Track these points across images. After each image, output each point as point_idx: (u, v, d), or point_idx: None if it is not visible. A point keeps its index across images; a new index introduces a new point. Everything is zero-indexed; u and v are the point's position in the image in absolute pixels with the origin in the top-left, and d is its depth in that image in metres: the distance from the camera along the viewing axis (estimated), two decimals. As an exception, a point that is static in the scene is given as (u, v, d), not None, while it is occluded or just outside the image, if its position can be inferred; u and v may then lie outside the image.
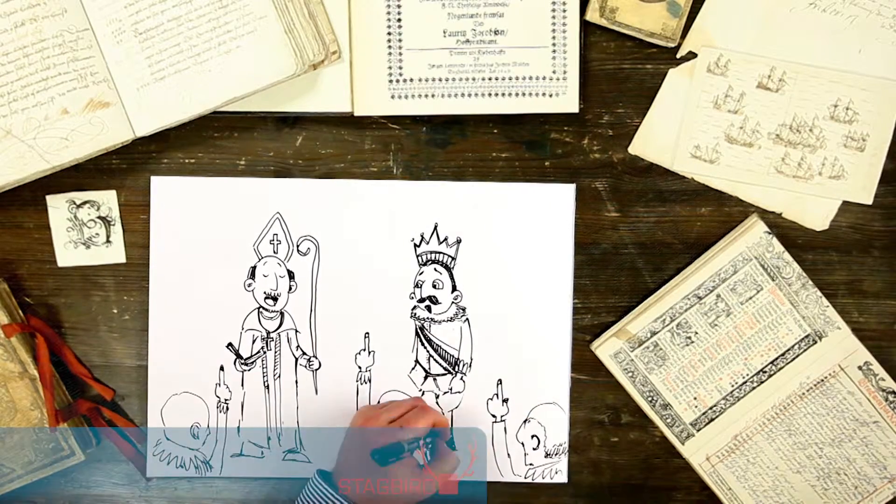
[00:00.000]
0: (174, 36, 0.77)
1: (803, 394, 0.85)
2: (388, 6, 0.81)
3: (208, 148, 0.85)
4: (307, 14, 0.78)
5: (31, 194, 0.84)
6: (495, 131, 0.85)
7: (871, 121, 0.82)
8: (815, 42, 0.82)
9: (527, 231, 0.84)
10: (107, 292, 0.85)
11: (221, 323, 0.85)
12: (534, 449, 0.86)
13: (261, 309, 0.85)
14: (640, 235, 0.85)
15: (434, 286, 0.85)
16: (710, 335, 0.84)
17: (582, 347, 0.86)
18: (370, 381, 0.85)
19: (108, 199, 0.84)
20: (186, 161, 0.85)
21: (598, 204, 0.85)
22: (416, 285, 0.85)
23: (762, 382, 0.85)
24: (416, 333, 0.85)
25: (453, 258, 0.85)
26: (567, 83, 0.82)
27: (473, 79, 0.82)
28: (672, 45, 0.82)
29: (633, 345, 0.85)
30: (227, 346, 0.85)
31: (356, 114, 0.82)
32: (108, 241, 0.85)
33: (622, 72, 0.84)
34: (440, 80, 0.82)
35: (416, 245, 0.85)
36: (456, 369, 0.86)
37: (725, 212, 0.85)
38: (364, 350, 0.85)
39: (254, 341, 0.85)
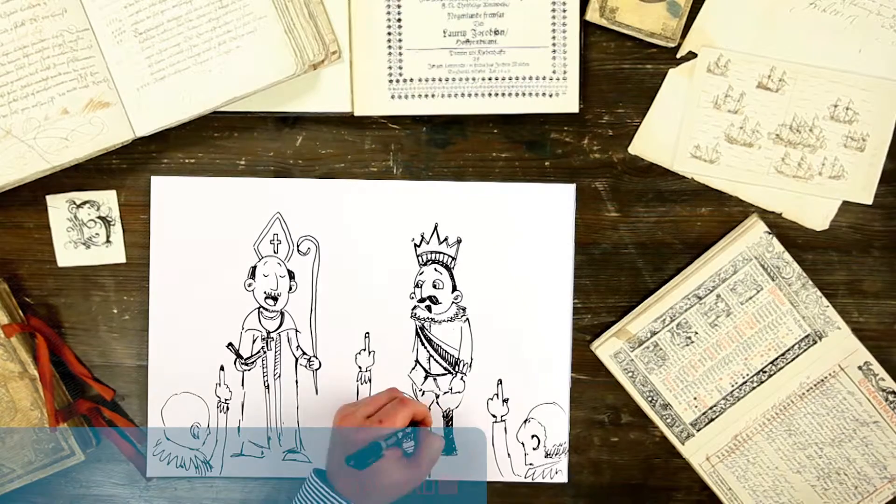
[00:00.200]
0: (174, 36, 0.77)
1: (803, 394, 0.85)
2: (388, 6, 0.81)
3: (208, 148, 0.85)
4: (307, 14, 0.78)
5: (31, 194, 0.84)
6: (495, 131, 0.85)
7: (871, 121, 0.82)
8: (815, 42, 0.82)
9: (527, 231, 0.84)
10: (107, 292, 0.85)
11: (221, 323, 0.85)
12: (534, 449, 0.86)
13: (261, 309, 0.85)
14: (640, 235, 0.85)
15: (434, 286, 0.85)
16: (710, 335, 0.84)
17: (582, 347, 0.86)
18: (370, 381, 0.85)
19: (108, 199, 0.84)
20: (186, 161, 0.85)
21: (598, 204, 0.85)
22: (417, 285, 0.85)
23: (762, 382, 0.85)
24: (417, 333, 0.85)
25: (453, 258, 0.85)
26: (567, 83, 0.82)
27: (473, 79, 0.82)
28: (672, 45, 0.82)
29: (633, 345, 0.85)
30: (228, 346, 0.85)
31: (356, 114, 0.82)
32: (108, 241, 0.85)
33: (622, 72, 0.84)
34: (440, 80, 0.82)
35: (416, 245, 0.85)
36: (456, 369, 0.86)
37: (725, 212, 0.85)
38: (364, 350, 0.85)
39: (254, 341, 0.85)
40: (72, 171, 0.80)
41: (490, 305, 0.85)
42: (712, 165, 0.84)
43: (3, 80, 0.76)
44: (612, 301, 0.86)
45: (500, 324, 0.85)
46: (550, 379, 0.86)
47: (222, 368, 0.85)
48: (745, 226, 0.84)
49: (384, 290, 0.85)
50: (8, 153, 0.77)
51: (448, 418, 0.86)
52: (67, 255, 0.84)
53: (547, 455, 0.86)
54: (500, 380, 0.86)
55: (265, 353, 0.86)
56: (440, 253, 0.85)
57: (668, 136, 0.84)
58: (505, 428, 0.86)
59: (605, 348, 0.85)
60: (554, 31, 0.82)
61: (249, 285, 0.85)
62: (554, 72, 0.82)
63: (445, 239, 0.85)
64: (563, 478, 0.86)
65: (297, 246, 0.85)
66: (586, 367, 0.86)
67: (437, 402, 0.86)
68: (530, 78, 0.82)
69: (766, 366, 0.84)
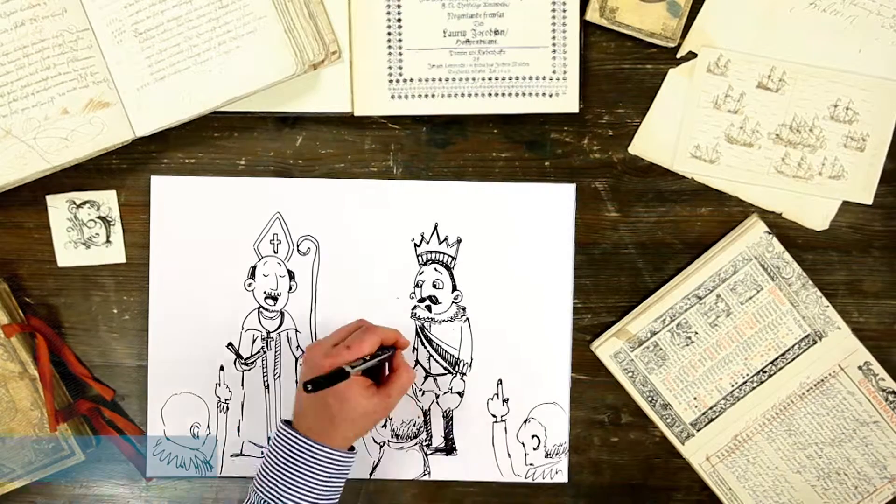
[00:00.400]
0: (174, 36, 0.77)
1: (803, 394, 0.85)
2: (388, 6, 0.81)
3: (208, 148, 0.85)
4: (307, 14, 0.78)
5: (31, 194, 0.84)
6: (495, 131, 0.85)
7: (871, 121, 0.82)
8: (815, 42, 0.82)
9: (527, 231, 0.84)
10: (107, 292, 0.85)
11: (221, 323, 0.85)
12: (534, 449, 0.86)
13: (261, 309, 0.85)
14: (640, 235, 0.85)
15: (434, 286, 0.85)
16: (710, 335, 0.84)
17: (582, 347, 0.86)
18: (370, 381, 0.85)
19: (108, 199, 0.84)
20: (186, 161, 0.85)
21: (598, 204, 0.85)
22: (417, 285, 0.85)
23: (762, 382, 0.85)
24: (417, 333, 0.85)
25: (453, 258, 0.85)
26: (567, 83, 0.82)
27: (473, 79, 0.82)
28: (672, 45, 0.82)
29: (633, 345, 0.85)
30: (227, 346, 0.85)
31: (356, 114, 0.82)
32: (108, 241, 0.85)
33: (622, 72, 0.84)
34: (440, 80, 0.82)
35: (416, 245, 0.85)
36: (456, 369, 0.86)
37: (725, 212, 0.85)
38: (364, 350, 0.85)
39: (254, 341, 0.85)
40: (72, 171, 0.80)
41: (490, 305, 0.85)
42: (712, 165, 0.84)
43: (3, 80, 0.76)
44: (612, 301, 0.86)
45: (500, 324, 0.85)
46: (550, 379, 0.86)
47: (222, 368, 0.85)
48: (745, 226, 0.84)
49: (384, 290, 0.85)
50: (8, 153, 0.77)
51: (448, 418, 0.86)
52: (67, 255, 0.84)
53: (547, 455, 0.86)
54: (500, 380, 0.86)
55: (265, 353, 0.86)
56: (440, 253, 0.85)
57: (668, 136, 0.84)
58: (505, 428, 0.86)
59: (605, 348, 0.85)
60: (554, 31, 0.82)
61: (249, 285, 0.85)
62: (554, 72, 0.82)
63: (445, 239, 0.85)
64: (563, 478, 0.86)
65: (297, 246, 0.85)
66: (586, 367, 0.86)
67: (437, 402, 0.86)
68: (530, 78, 0.82)
69: (766, 366, 0.84)
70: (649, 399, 0.85)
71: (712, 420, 0.85)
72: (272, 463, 0.72)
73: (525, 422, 0.86)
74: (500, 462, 0.86)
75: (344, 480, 0.74)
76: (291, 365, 0.85)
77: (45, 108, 0.77)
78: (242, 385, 0.86)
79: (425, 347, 0.85)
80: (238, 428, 0.86)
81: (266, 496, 0.71)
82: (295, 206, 0.84)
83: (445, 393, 0.86)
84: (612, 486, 0.87)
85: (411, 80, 0.82)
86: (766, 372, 0.85)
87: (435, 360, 0.86)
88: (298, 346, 0.85)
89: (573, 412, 0.86)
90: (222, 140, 0.84)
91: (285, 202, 0.84)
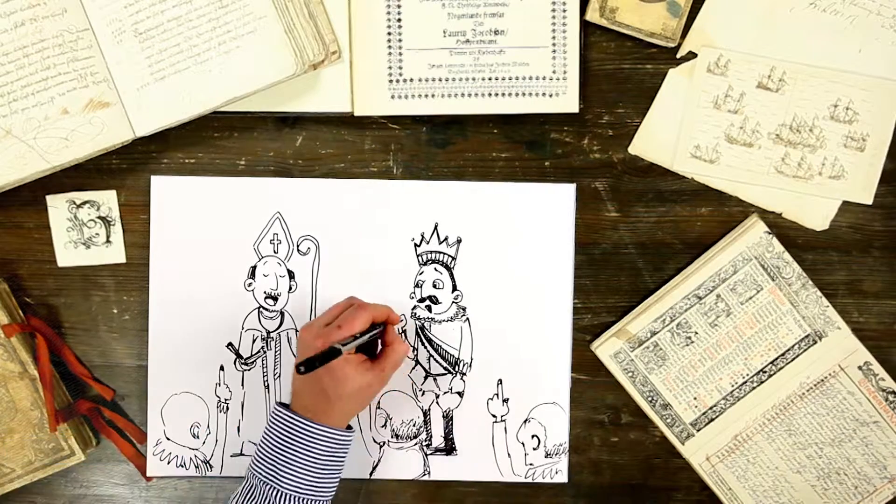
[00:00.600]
0: (174, 36, 0.77)
1: (803, 394, 0.85)
2: (388, 6, 0.81)
3: (208, 148, 0.85)
4: (307, 14, 0.78)
5: (31, 194, 0.84)
6: (495, 131, 0.85)
7: (871, 121, 0.82)
8: (815, 42, 0.82)
9: (527, 231, 0.84)
10: (107, 292, 0.85)
11: (221, 323, 0.85)
12: (534, 449, 0.86)
13: (261, 309, 0.85)
14: (640, 235, 0.85)
15: (434, 286, 0.85)
16: (710, 335, 0.84)
17: (582, 347, 0.86)
18: (370, 381, 0.85)
19: (108, 199, 0.84)
20: (186, 161, 0.85)
21: (598, 204, 0.85)
22: (417, 285, 0.85)
23: (762, 382, 0.85)
24: (417, 333, 0.85)
25: (453, 258, 0.85)
26: (567, 83, 0.82)
27: (473, 79, 0.82)
28: (672, 45, 0.82)
29: (633, 345, 0.85)
30: (227, 346, 0.85)
31: (356, 114, 0.82)
32: (108, 241, 0.85)
33: (622, 72, 0.84)
34: (440, 80, 0.82)
35: (416, 245, 0.85)
36: (456, 369, 0.86)
37: (725, 212, 0.85)
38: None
39: (254, 341, 0.85)
40: (72, 171, 0.80)
41: (490, 305, 0.85)
42: (712, 165, 0.84)
43: (3, 80, 0.76)
44: (612, 301, 0.86)
45: (500, 324, 0.85)
46: (550, 379, 0.86)
47: (222, 368, 0.85)
48: (745, 226, 0.84)
49: (384, 290, 0.85)
50: (8, 153, 0.77)
51: (448, 418, 0.86)
52: (67, 255, 0.84)
53: (547, 455, 0.86)
54: (500, 380, 0.86)
55: (265, 352, 0.86)
56: (440, 253, 0.85)
57: (668, 136, 0.84)
58: (505, 428, 0.86)
59: (605, 348, 0.85)
60: (554, 31, 0.82)
61: (249, 285, 0.85)
62: (554, 72, 0.82)
63: (445, 239, 0.85)
64: (563, 478, 0.86)
65: (297, 246, 0.85)
66: (586, 367, 0.86)
67: (437, 402, 0.86)
68: (530, 78, 0.82)
69: (766, 366, 0.84)
70: (649, 399, 0.85)
71: (712, 420, 0.85)
72: (269, 445, 0.72)
73: (525, 422, 0.86)
74: (500, 462, 0.86)
75: (343, 461, 0.74)
76: (291, 365, 0.85)
77: (45, 108, 0.77)
78: (242, 385, 0.86)
79: (425, 347, 0.85)
80: (238, 428, 0.86)
81: (265, 478, 0.71)
82: (295, 206, 0.84)
83: (445, 393, 0.86)
84: (612, 486, 0.87)
85: (411, 80, 0.82)
86: (766, 372, 0.85)
87: (435, 360, 0.86)
88: (298, 346, 0.85)
89: (573, 412, 0.86)
90: (222, 140, 0.84)
91: (285, 202, 0.84)
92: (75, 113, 0.77)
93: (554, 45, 0.82)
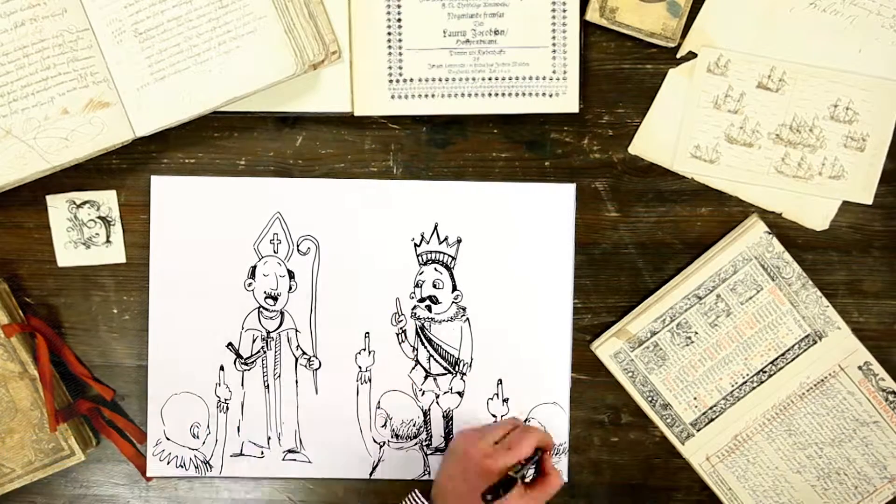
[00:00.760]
0: (174, 36, 0.77)
1: (803, 394, 0.85)
2: (388, 6, 0.81)
3: (208, 148, 0.85)
4: (307, 14, 0.78)
5: (31, 194, 0.84)
6: (495, 131, 0.85)
7: (871, 121, 0.82)
8: (815, 42, 0.82)
9: (527, 231, 0.84)
10: (107, 292, 0.85)
11: (221, 323, 0.85)
12: (534, 449, 0.86)
13: (261, 309, 0.85)
14: (640, 235, 0.85)
15: (434, 286, 0.85)
16: (710, 335, 0.84)
17: (582, 347, 0.86)
18: (370, 380, 0.85)
19: (108, 199, 0.84)
20: (186, 161, 0.85)
21: (598, 204, 0.85)
22: (417, 285, 0.85)
23: (762, 382, 0.85)
24: (417, 333, 0.85)
25: (453, 258, 0.85)
26: (567, 83, 0.82)
27: (473, 79, 0.82)
28: (672, 45, 0.82)
29: (633, 345, 0.85)
30: (227, 346, 0.85)
31: (356, 114, 0.82)
32: (108, 241, 0.85)
33: (622, 72, 0.84)
34: (440, 80, 0.82)
35: (416, 245, 0.85)
36: (456, 369, 0.86)
37: (725, 212, 0.85)
38: (364, 350, 0.85)
39: (254, 341, 0.85)
40: (72, 171, 0.80)
41: (490, 305, 0.85)
42: (712, 165, 0.84)
43: (3, 80, 0.76)
44: (612, 301, 0.86)
45: (500, 324, 0.85)
46: (550, 379, 0.86)
47: (222, 368, 0.85)
48: (745, 226, 0.84)
49: (384, 290, 0.85)
50: (8, 153, 0.77)
51: (448, 418, 0.86)
52: (67, 255, 0.84)
53: (547, 455, 0.86)
54: (500, 380, 0.86)
55: (265, 352, 0.86)
56: (440, 253, 0.85)
57: (668, 136, 0.84)
58: (505, 428, 0.86)
59: (605, 348, 0.85)
60: (554, 31, 0.82)
61: (249, 285, 0.85)
62: (554, 72, 0.82)
63: (445, 239, 0.85)
64: (563, 478, 0.86)
65: (297, 246, 0.85)
66: (586, 367, 0.86)
67: (437, 402, 0.86)
68: (530, 78, 0.82)
69: (766, 366, 0.84)
70: (649, 399, 0.85)
71: (712, 420, 0.85)
72: None
73: (525, 422, 0.86)
74: (500, 462, 0.86)
75: None
76: (291, 365, 0.86)
77: (45, 108, 0.77)
78: (242, 385, 0.86)
79: (425, 347, 0.85)
80: (238, 428, 0.86)
81: None
82: (295, 206, 0.84)
83: (445, 393, 0.86)
84: (612, 486, 0.87)
85: (411, 80, 0.82)
86: (766, 372, 0.85)
87: (435, 360, 0.86)
88: (298, 346, 0.85)
89: (573, 412, 0.86)
90: (222, 140, 0.84)
91: (285, 202, 0.84)
92: (75, 113, 0.77)
93: (554, 45, 0.82)
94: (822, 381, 0.85)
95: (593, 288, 0.86)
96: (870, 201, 0.84)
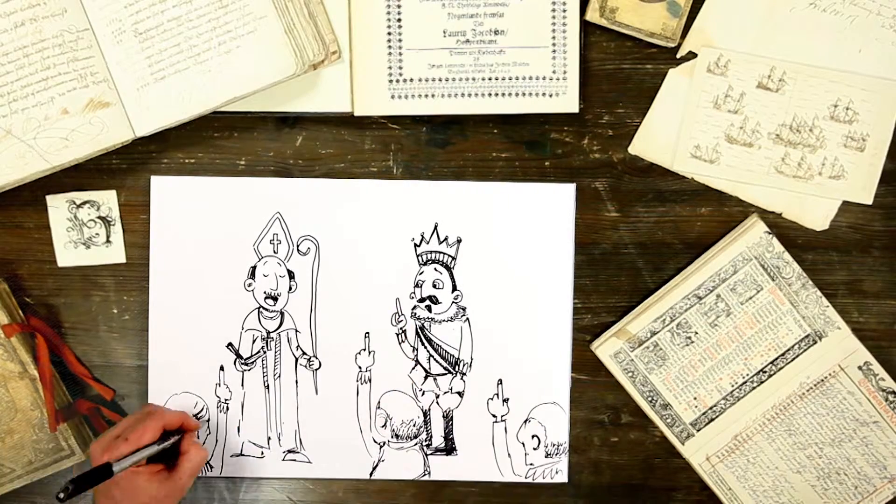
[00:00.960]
0: (174, 36, 0.77)
1: (803, 394, 0.85)
2: (388, 6, 0.81)
3: (208, 148, 0.85)
4: (307, 14, 0.78)
5: (31, 194, 0.84)
6: (495, 131, 0.85)
7: (871, 121, 0.82)
8: (815, 42, 0.82)
9: (527, 231, 0.84)
10: (107, 292, 0.85)
11: (221, 323, 0.85)
12: (534, 449, 0.86)
13: (261, 309, 0.85)
14: (640, 235, 0.85)
15: (434, 286, 0.85)
16: (710, 335, 0.84)
17: (582, 347, 0.86)
18: (370, 381, 0.85)
19: (108, 199, 0.84)
20: (186, 161, 0.85)
21: (598, 204, 0.85)
22: (417, 285, 0.85)
23: (762, 382, 0.85)
24: (417, 333, 0.85)
25: (453, 258, 0.85)
26: (567, 83, 0.82)
27: (473, 79, 0.82)
28: (672, 45, 0.82)
29: (633, 345, 0.85)
30: (227, 346, 0.85)
31: (356, 114, 0.82)
32: (108, 241, 0.85)
33: (622, 72, 0.84)
34: (440, 80, 0.82)
35: (416, 245, 0.85)
36: (456, 369, 0.86)
37: (725, 212, 0.85)
38: (364, 350, 0.85)
39: (254, 341, 0.85)
40: (72, 171, 0.80)
41: (490, 305, 0.85)
42: (712, 165, 0.84)
43: (3, 80, 0.76)
44: (612, 301, 0.86)
45: (500, 324, 0.85)
46: (550, 379, 0.86)
47: (222, 368, 0.85)
48: (745, 226, 0.84)
49: (384, 290, 0.85)
50: (8, 153, 0.77)
51: (448, 418, 0.86)
52: (67, 255, 0.84)
53: (547, 455, 0.86)
54: (500, 380, 0.86)
55: (265, 353, 0.86)
56: (440, 253, 0.85)
57: (668, 136, 0.84)
58: (505, 428, 0.86)
59: (605, 348, 0.85)
60: (554, 31, 0.82)
61: (249, 285, 0.85)
62: (554, 72, 0.82)
63: (445, 239, 0.85)
64: (563, 478, 0.86)
65: (297, 246, 0.85)
66: (586, 367, 0.86)
67: (437, 402, 0.86)
68: (530, 78, 0.82)
69: (766, 366, 0.84)
70: (649, 399, 0.85)
71: (712, 420, 0.85)
72: None
73: (525, 422, 0.86)
74: (500, 462, 0.86)
75: None
76: (291, 365, 0.86)
77: (45, 108, 0.77)
78: (242, 385, 0.86)
79: (425, 347, 0.85)
80: (238, 428, 0.86)
81: None
82: (295, 206, 0.84)
83: (445, 393, 0.86)
84: (612, 486, 0.87)
85: (411, 80, 0.82)
86: (766, 372, 0.85)
87: (435, 360, 0.86)
88: (298, 346, 0.85)
89: (573, 412, 0.86)
90: (222, 140, 0.84)
91: (285, 202, 0.84)
92: (75, 113, 0.77)
93: (554, 45, 0.82)
94: (822, 381, 0.85)
95: (593, 288, 0.86)
96: (870, 201, 0.84)
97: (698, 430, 0.85)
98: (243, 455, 0.86)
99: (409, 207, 0.84)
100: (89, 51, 0.77)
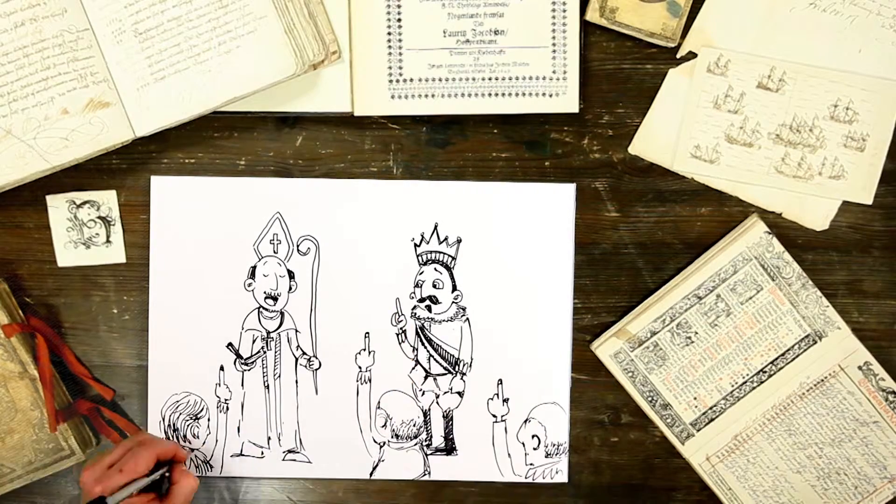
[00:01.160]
0: (174, 36, 0.77)
1: (803, 394, 0.85)
2: (388, 6, 0.81)
3: (208, 148, 0.85)
4: (307, 14, 0.78)
5: (31, 194, 0.84)
6: (495, 131, 0.85)
7: (871, 121, 0.82)
8: (815, 42, 0.82)
9: (527, 231, 0.84)
10: (107, 292, 0.85)
11: (221, 323, 0.85)
12: (534, 449, 0.86)
13: (261, 309, 0.85)
14: (640, 235, 0.85)
15: (434, 286, 0.85)
16: (710, 335, 0.84)
17: (582, 347, 0.86)
18: (370, 381, 0.85)
19: (108, 199, 0.84)
20: (186, 161, 0.85)
21: (598, 204, 0.85)
22: (417, 285, 0.85)
23: (762, 382, 0.85)
24: (417, 333, 0.85)
25: (453, 258, 0.85)
26: (567, 83, 0.82)
27: (473, 79, 0.82)
28: (672, 45, 0.82)
29: (633, 345, 0.85)
30: (227, 346, 0.85)
31: (356, 114, 0.82)
32: (108, 241, 0.85)
33: (622, 72, 0.84)
34: (440, 80, 0.82)
35: (416, 245, 0.85)
36: (456, 369, 0.86)
37: (725, 212, 0.85)
38: (364, 350, 0.85)
39: (254, 341, 0.85)
40: (72, 171, 0.80)
41: (490, 305, 0.85)
42: (712, 165, 0.84)
43: (3, 80, 0.76)
44: (612, 301, 0.86)
45: (500, 324, 0.85)
46: (550, 379, 0.86)
47: (222, 368, 0.85)
48: (745, 226, 0.84)
49: (384, 290, 0.85)
50: (8, 153, 0.77)
51: (448, 418, 0.86)
52: (67, 255, 0.84)
53: (547, 455, 0.86)
54: (500, 380, 0.86)
55: (265, 353, 0.86)
56: (440, 253, 0.85)
57: (668, 136, 0.84)
58: (505, 428, 0.86)
59: (605, 348, 0.85)
60: (554, 31, 0.82)
61: (249, 285, 0.85)
62: (554, 72, 0.82)
63: (445, 239, 0.85)
64: (563, 478, 0.86)
65: (297, 246, 0.85)
66: (586, 367, 0.86)
67: (437, 402, 0.86)
68: (530, 78, 0.82)
69: (766, 366, 0.84)
70: (649, 399, 0.85)
71: (712, 420, 0.85)
72: None
73: (525, 422, 0.86)
74: (500, 462, 0.86)
75: None
76: (291, 365, 0.86)
77: (45, 108, 0.77)
78: (242, 385, 0.86)
79: (425, 347, 0.85)
80: (238, 428, 0.86)
81: None
82: (295, 206, 0.84)
83: (445, 393, 0.86)
84: (612, 486, 0.87)
85: (411, 80, 0.82)
86: (766, 372, 0.85)
87: (435, 360, 0.86)
88: (298, 346, 0.85)
89: (573, 412, 0.86)
90: (222, 140, 0.84)
91: (285, 202, 0.84)
92: (75, 113, 0.77)
93: (554, 45, 0.82)
94: (822, 381, 0.85)
95: (593, 288, 0.86)
96: (870, 201, 0.84)
97: (698, 430, 0.85)
98: (243, 455, 0.86)
99: (408, 207, 0.85)
100: (89, 51, 0.77)
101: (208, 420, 0.86)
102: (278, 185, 0.84)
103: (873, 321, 0.86)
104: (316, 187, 0.84)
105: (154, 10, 0.77)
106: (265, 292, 0.85)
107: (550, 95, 0.82)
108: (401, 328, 0.85)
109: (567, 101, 0.82)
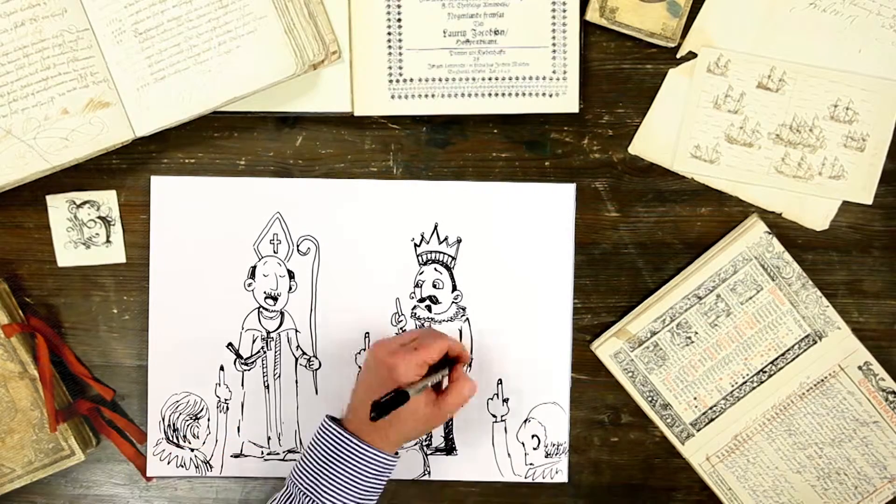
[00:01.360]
0: (174, 36, 0.77)
1: (803, 394, 0.85)
2: (388, 6, 0.81)
3: (208, 148, 0.85)
4: (307, 14, 0.78)
5: (31, 194, 0.84)
6: (495, 131, 0.85)
7: (871, 121, 0.82)
8: (815, 42, 0.82)
9: (527, 231, 0.84)
10: (107, 292, 0.85)
11: (221, 323, 0.85)
12: (534, 449, 0.86)
13: (261, 309, 0.85)
14: (640, 235, 0.85)
15: (434, 286, 0.85)
16: (710, 335, 0.84)
17: (582, 347, 0.86)
18: (370, 381, 0.85)
19: (108, 199, 0.84)
20: (186, 161, 0.85)
21: (598, 204, 0.85)
22: (417, 285, 0.85)
23: (762, 382, 0.85)
24: (416, 333, 0.85)
25: (453, 258, 0.85)
26: (567, 83, 0.82)
27: (473, 79, 0.82)
28: (672, 45, 0.82)
29: (633, 345, 0.85)
30: (227, 346, 0.85)
31: (356, 114, 0.82)
32: (108, 241, 0.85)
33: (622, 72, 0.84)
34: (440, 80, 0.82)
35: (416, 245, 0.85)
36: (456, 369, 0.86)
37: (725, 212, 0.85)
38: (364, 350, 0.85)
39: (254, 341, 0.85)
40: (72, 171, 0.80)
41: (490, 305, 0.85)
42: (712, 165, 0.84)
43: (3, 80, 0.76)
44: (612, 301, 0.86)
45: (500, 324, 0.85)
46: (550, 379, 0.86)
47: (222, 368, 0.85)
48: (745, 226, 0.84)
49: (384, 290, 0.85)
50: (8, 153, 0.77)
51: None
52: (67, 255, 0.84)
53: (547, 455, 0.86)
54: (500, 380, 0.86)
55: (265, 353, 0.86)
56: (440, 253, 0.85)
57: (668, 136, 0.84)
58: (505, 428, 0.86)
59: (605, 348, 0.85)
60: (554, 31, 0.82)
61: (249, 285, 0.85)
62: (554, 72, 0.82)
63: (445, 239, 0.85)
64: (563, 478, 0.86)
65: (297, 246, 0.85)
66: (586, 367, 0.86)
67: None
68: (530, 78, 0.82)
69: (766, 366, 0.84)
70: (649, 399, 0.85)
71: (712, 420, 0.85)
72: (315, 459, 0.72)
73: (525, 422, 0.86)
74: (500, 462, 0.86)
75: (385, 484, 0.74)
76: (291, 365, 0.86)
77: (45, 108, 0.77)
78: (242, 385, 0.86)
79: (425, 347, 0.85)
80: (238, 428, 0.86)
81: (306, 490, 0.71)
82: (295, 206, 0.84)
83: (445, 393, 0.86)
84: (612, 486, 0.87)
85: (411, 80, 0.82)
86: (766, 372, 0.85)
87: (435, 360, 0.85)
88: (298, 346, 0.85)
89: (573, 412, 0.86)
90: (222, 140, 0.84)
91: (285, 202, 0.84)
92: (75, 113, 0.77)
93: (554, 45, 0.82)
94: (822, 381, 0.85)
95: (593, 288, 0.86)
96: (870, 201, 0.84)
97: (698, 430, 0.85)
98: (243, 455, 0.86)
99: (408, 207, 0.85)
100: (89, 51, 0.77)
101: (208, 420, 0.86)
102: (278, 185, 0.84)
103: (873, 321, 0.86)
104: (316, 187, 0.84)
105: (154, 10, 0.77)
106: (265, 292, 0.85)
107: (550, 95, 0.82)
108: (401, 328, 0.85)
109: (567, 101, 0.82)
